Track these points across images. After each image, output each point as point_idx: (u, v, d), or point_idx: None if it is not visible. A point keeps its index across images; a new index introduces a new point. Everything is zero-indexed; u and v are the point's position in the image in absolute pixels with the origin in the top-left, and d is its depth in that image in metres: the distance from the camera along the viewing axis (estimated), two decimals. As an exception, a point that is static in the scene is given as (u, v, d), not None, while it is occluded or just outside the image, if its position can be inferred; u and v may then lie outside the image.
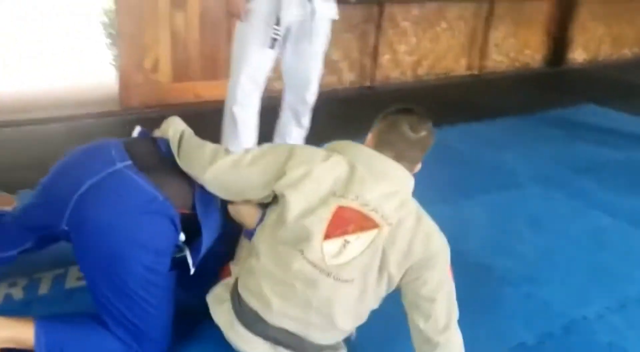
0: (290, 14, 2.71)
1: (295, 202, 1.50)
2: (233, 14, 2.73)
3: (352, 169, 1.55)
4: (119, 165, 1.52)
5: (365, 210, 1.50)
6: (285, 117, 3.04)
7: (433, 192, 2.16)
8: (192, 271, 1.57)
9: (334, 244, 1.48)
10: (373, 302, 1.58)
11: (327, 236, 1.48)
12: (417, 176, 1.63)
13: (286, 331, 1.53)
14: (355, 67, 4.64)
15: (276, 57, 2.85)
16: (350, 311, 1.55)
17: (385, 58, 4.75)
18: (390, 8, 4.59)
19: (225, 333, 1.58)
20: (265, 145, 1.69)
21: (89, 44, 4.72)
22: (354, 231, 1.49)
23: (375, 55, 4.62)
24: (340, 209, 1.50)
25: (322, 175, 1.53)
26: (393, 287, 1.56)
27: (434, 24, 4.92)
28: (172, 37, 3.67)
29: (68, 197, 1.51)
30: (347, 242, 1.48)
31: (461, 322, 1.56)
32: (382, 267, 1.51)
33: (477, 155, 3.46)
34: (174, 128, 1.72)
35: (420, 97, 4.41)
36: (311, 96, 2.97)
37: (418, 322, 1.54)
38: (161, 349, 1.63)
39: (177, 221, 1.54)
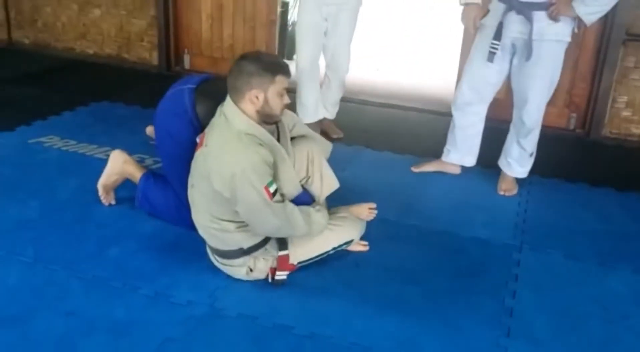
0: (511, 31, 2.75)
1: None
2: (465, 26, 2.95)
3: None
4: (186, 86, 2.33)
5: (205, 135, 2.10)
6: (510, 134, 3.03)
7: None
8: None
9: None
10: (221, 208, 2.03)
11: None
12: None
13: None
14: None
15: (507, 73, 2.92)
16: (202, 211, 2.06)
17: None
18: None
19: None
20: None
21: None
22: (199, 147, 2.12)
23: None
24: (202, 134, 2.14)
25: None
26: (225, 198, 2.01)
27: None
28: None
29: None
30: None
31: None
32: (209, 180, 2.00)
33: None
34: None
35: None
36: (530, 119, 2.88)
37: None
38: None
39: (196, 125, 2.27)
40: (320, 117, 3.59)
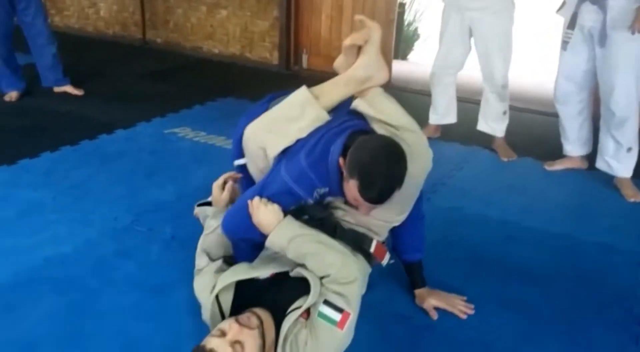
0: (586, 20, 2.80)
1: None
2: None
3: None
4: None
5: None
6: (602, 130, 2.99)
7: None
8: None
9: None
10: None
11: None
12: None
13: None
14: None
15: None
16: None
17: None
18: None
19: None
20: None
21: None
22: None
23: None
24: None
25: None
26: None
27: None
28: None
29: None
30: None
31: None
32: None
33: None
34: None
35: None
36: (618, 107, 2.82)
37: None
38: None
39: None
40: (450, 121, 3.54)
